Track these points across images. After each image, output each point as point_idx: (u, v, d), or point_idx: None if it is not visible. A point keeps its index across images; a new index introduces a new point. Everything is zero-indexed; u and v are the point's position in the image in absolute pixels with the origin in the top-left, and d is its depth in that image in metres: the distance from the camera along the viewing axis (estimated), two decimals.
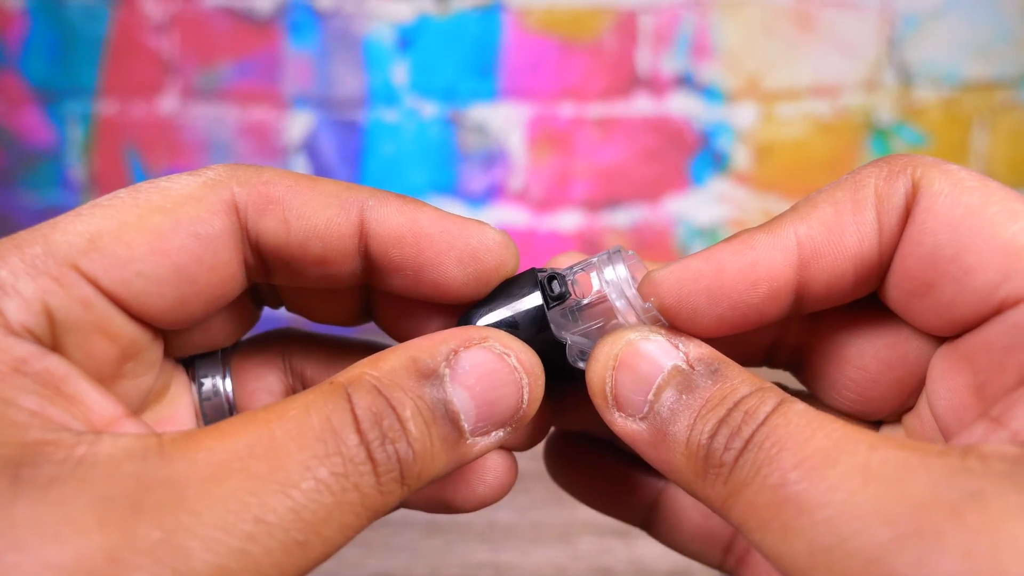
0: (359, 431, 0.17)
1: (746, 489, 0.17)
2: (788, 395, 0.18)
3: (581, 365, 0.21)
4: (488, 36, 0.76)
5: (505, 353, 0.20)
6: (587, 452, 0.26)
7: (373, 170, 0.78)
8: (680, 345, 0.20)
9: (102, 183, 0.79)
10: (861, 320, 0.22)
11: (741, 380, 0.18)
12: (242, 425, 0.17)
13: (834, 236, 0.20)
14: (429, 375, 0.19)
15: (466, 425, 0.19)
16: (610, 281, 0.21)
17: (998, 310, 0.18)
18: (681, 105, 0.76)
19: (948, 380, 0.19)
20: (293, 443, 0.16)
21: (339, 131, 0.78)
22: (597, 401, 0.20)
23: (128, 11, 0.76)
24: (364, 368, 0.18)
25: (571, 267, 0.22)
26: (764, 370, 0.25)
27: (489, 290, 0.22)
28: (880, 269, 0.20)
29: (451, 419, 0.18)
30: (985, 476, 0.15)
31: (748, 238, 0.20)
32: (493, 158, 0.77)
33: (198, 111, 0.77)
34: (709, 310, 0.20)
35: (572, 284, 0.21)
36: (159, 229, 0.18)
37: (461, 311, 0.22)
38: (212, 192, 0.19)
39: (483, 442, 0.19)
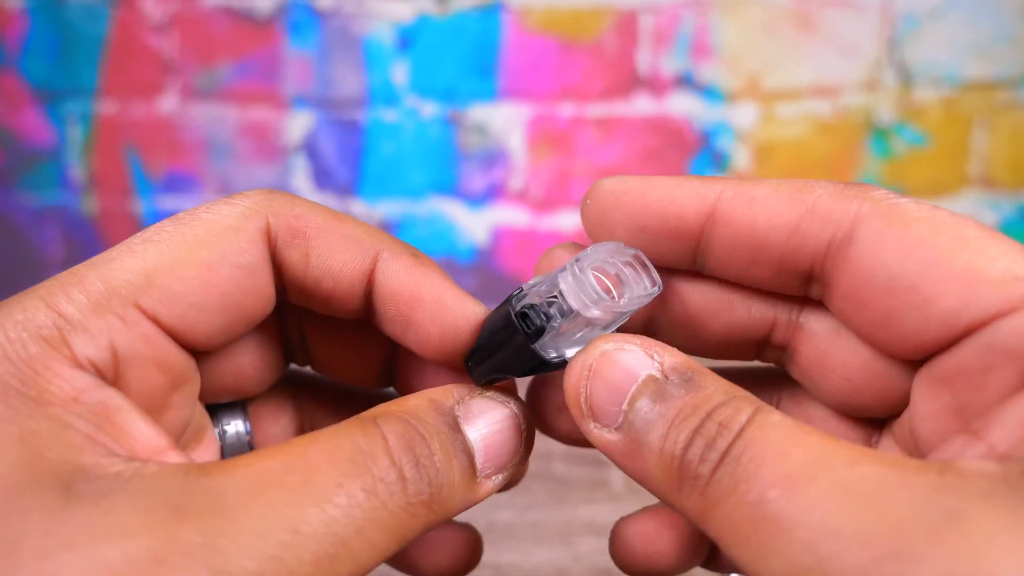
0: (390, 454, 0.18)
1: (724, 503, 0.17)
2: (764, 404, 0.18)
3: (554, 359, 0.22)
4: (488, 36, 0.76)
5: (505, 401, 0.21)
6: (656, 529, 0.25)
7: (373, 170, 0.78)
8: (655, 355, 0.20)
9: (102, 183, 0.79)
10: (844, 334, 0.22)
11: (715, 389, 0.18)
12: (277, 449, 0.18)
13: (749, 211, 0.20)
14: (447, 414, 0.20)
15: (478, 464, 0.20)
16: (574, 309, 0.21)
17: (965, 333, 0.18)
18: (681, 105, 0.76)
19: (928, 403, 0.19)
20: (326, 462, 0.17)
21: (339, 131, 0.78)
22: (573, 411, 0.20)
23: (128, 11, 0.76)
24: (389, 406, 0.20)
25: (534, 285, 0.22)
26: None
27: (464, 348, 0.23)
28: (786, 270, 0.20)
29: (468, 455, 0.20)
30: (964, 494, 0.15)
31: (683, 179, 0.21)
32: (493, 158, 0.77)
33: (198, 111, 0.77)
34: (622, 222, 0.21)
35: (549, 306, 0.21)
36: (207, 263, 0.20)
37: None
38: (250, 222, 0.21)
39: (487, 485, 0.21)
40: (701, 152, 0.77)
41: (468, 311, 0.22)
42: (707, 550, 0.24)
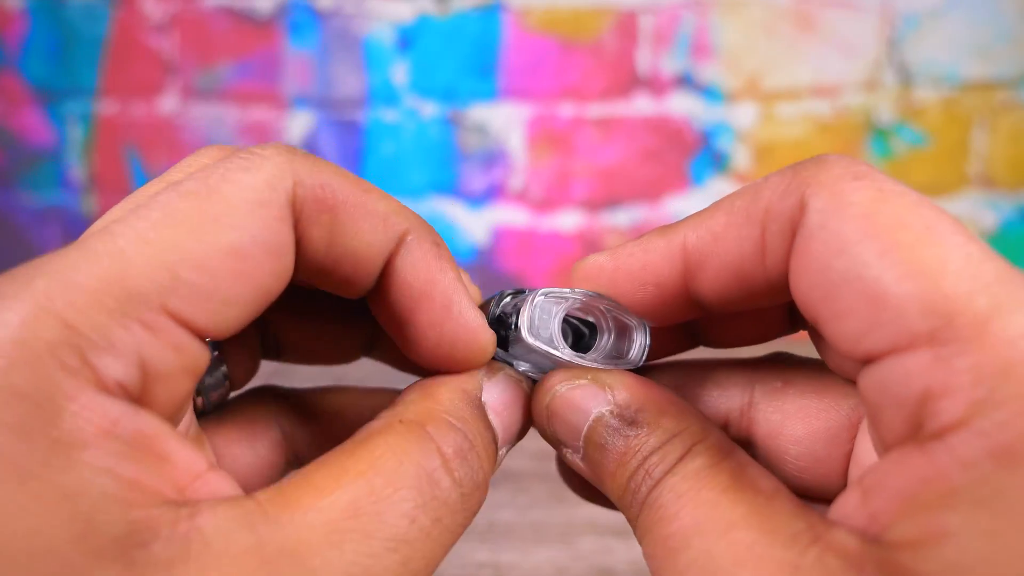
0: (451, 474, 0.18)
1: (644, 541, 0.18)
2: (697, 444, 0.19)
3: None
4: (488, 36, 0.76)
5: (519, 380, 0.22)
6: None
7: (373, 170, 0.78)
8: (607, 389, 0.21)
9: (102, 183, 0.79)
10: (788, 400, 0.22)
11: (653, 430, 0.19)
12: (336, 479, 0.17)
13: (719, 246, 0.19)
14: (480, 407, 0.21)
15: (499, 445, 0.21)
16: (521, 337, 0.22)
17: (867, 361, 0.16)
18: (681, 105, 0.76)
19: (863, 433, 0.20)
20: (395, 494, 0.17)
21: (339, 131, 0.78)
22: (546, 439, 0.22)
23: (128, 11, 0.76)
24: (429, 404, 0.20)
25: (502, 300, 0.23)
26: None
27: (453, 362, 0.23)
28: (775, 283, 0.19)
29: (496, 443, 0.21)
30: None
31: (647, 241, 0.21)
32: (493, 158, 0.77)
33: (198, 111, 0.77)
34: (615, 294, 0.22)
35: (513, 323, 0.22)
36: (238, 248, 0.17)
37: None
38: (276, 193, 0.17)
39: (497, 459, 0.21)
40: (701, 152, 0.77)
41: (470, 325, 0.21)
42: None
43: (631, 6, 0.74)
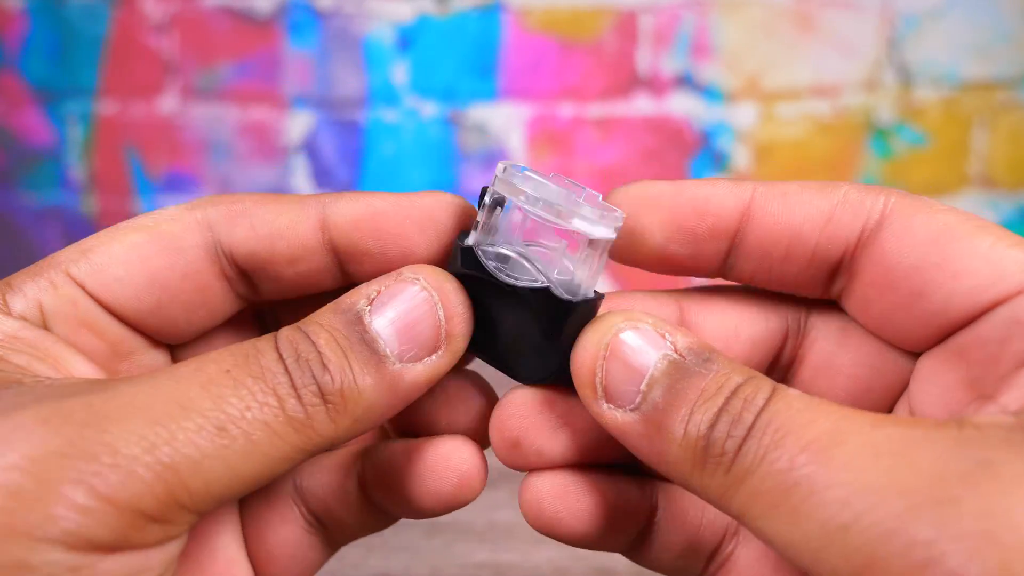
0: (277, 350, 0.19)
1: (750, 477, 0.17)
2: (780, 384, 0.18)
3: (511, 280, 0.21)
4: (488, 36, 0.76)
5: (414, 279, 0.21)
6: (572, 489, 0.24)
7: (373, 170, 0.78)
8: (667, 335, 0.20)
9: (102, 183, 0.79)
10: (850, 329, 0.22)
11: (733, 368, 0.19)
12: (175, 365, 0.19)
13: (785, 204, 0.21)
14: (347, 311, 0.20)
15: (387, 350, 0.20)
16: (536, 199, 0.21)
17: (989, 308, 0.19)
18: (681, 105, 0.76)
19: (939, 377, 0.20)
20: (220, 356, 0.19)
21: (339, 131, 0.78)
22: (585, 392, 0.20)
23: (128, 11, 0.76)
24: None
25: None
26: None
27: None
28: (818, 262, 0.21)
29: (368, 344, 0.20)
30: (987, 445, 0.16)
31: (713, 180, 0.21)
32: (493, 158, 0.77)
33: (198, 111, 0.77)
34: (659, 228, 0.21)
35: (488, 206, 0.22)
36: (137, 242, 0.22)
37: None
38: (188, 213, 0.22)
39: (418, 367, 0.20)
40: (701, 152, 0.77)
41: (438, 198, 0.23)
42: (632, 536, 0.23)
43: (631, 6, 0.74)
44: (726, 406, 0.18)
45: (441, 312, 0.21)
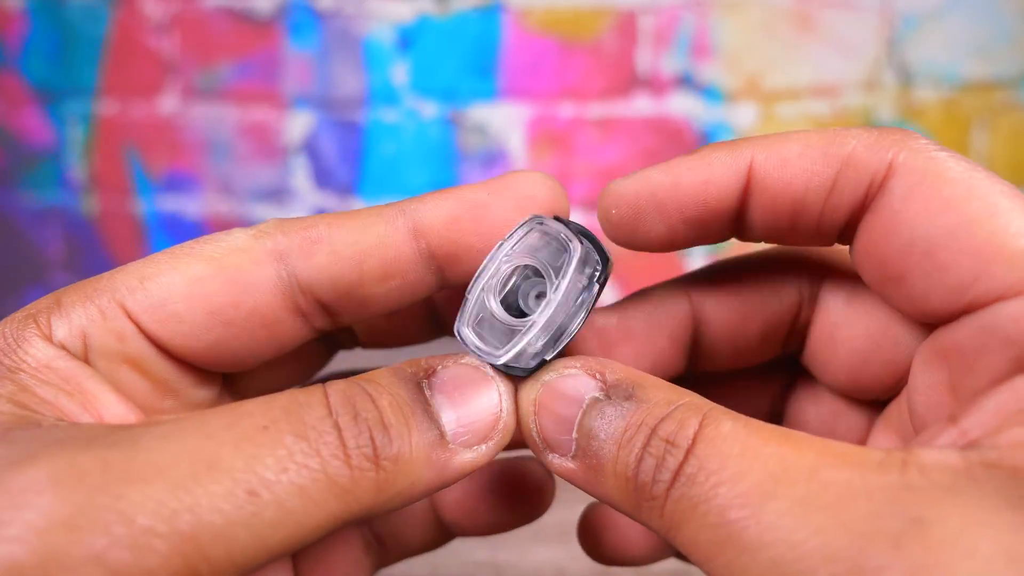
0: (327, 405, 0.17)
1: (686, 524, 0.16)
2: (712, 408, 0.18)
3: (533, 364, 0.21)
4: (488, 36, 0.76)
5: (481, 364, 0.20)
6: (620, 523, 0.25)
7: (373, 170, 0.78)
8: (597, 374, 0.19)
9: (102, 183, 0.79)
10: (856, 302, 0.22)
11: (656, 401, 0.18)
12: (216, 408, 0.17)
13: (785, 174, 0.20)
14: (408, 379, 0.19)
15: (447, 428, 0.19)
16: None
17: (967, 310, 0.18)
18: (681, 105, 0.76)
19: (927, 375, 0.19)
20: (257, 410, 0.17)
21: (339, 131, 0.78)
22: (531, 447, 0.20)
23: (128, 11, 0.76)
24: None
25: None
26: None
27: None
28: (825, 225, 0.20)
29: (430, 417, 0.18)
30: (925, 496, 0.15)
31: (707, 154, 0.20)
32: (493, 158, 0.77)
33: (198, 111, 0.77)
34: (660, 222, 0.21)
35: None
36: (200, 275, 0.20)
37: None
38: (256, 242, 0.20)
39: (469, 455, 0.19)
40: None
41: (532, 179, 0.21)
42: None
43: (631, 6, 0.74)
44: (647, 446, 0.17)
45: (505, 411, 0.20)
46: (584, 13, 0.75)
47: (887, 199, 0.19)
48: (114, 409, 0.19)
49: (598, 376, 0.19)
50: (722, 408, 0.18)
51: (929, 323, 0.19)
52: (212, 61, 0.77)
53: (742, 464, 0.16)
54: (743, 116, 0.76)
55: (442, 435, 0.18)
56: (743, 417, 0.17)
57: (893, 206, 0.18)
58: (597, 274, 0.20)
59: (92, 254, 0.79)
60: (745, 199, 0.20)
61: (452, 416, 0.19)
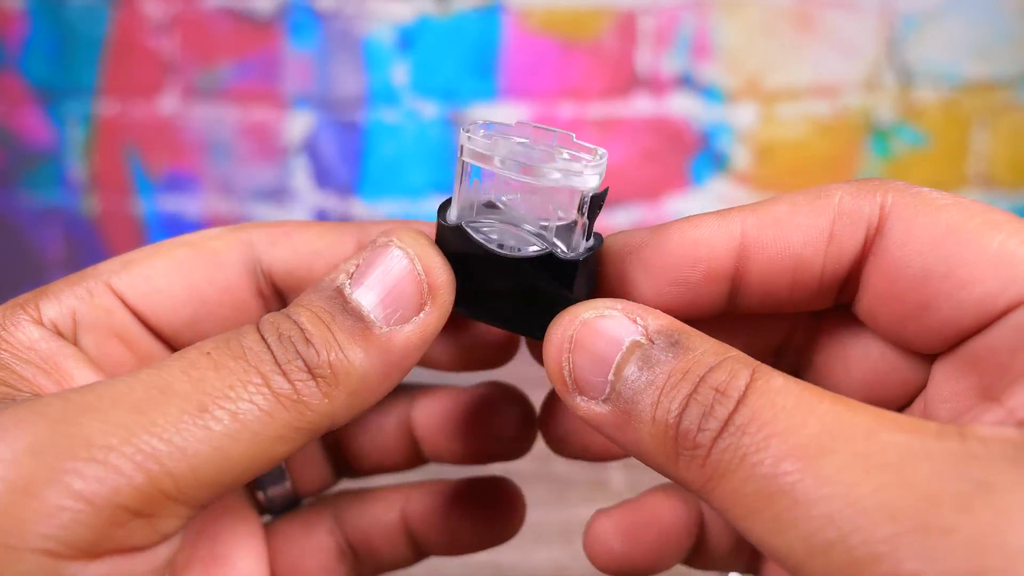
0: (258, 332, 0.19)
1: (730, 476, 0.16)
2: (761, 364, 0.17)
3: (511, 254, 0.21)
4: (488, 36, 0.76)
5: (387, 242, 0.20)
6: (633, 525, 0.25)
7: (373, 170, 0.78)
8: (638, 319, 0.19)
9: (102, 183, 0.79)
10: (864, 332, 0.21)
11: (704, 350, 0.17)
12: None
13: (781, 233, 0.19)
14: (327, 288, 0.20)
15: (372, 316, 0.19)
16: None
17: (1000, 315, 0.18)
18: (681, 105, 0.76)
19: (952, 383, 0.19)
20: (199, 344, 0.19)
21: (339, 131, 0.78)
22: (557, 387, 0.19)
23: (128, 11, 0.76)
24: None
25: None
26: None
27: None
28: (827, 281, 0.20)
29: (351, 313, 0.19)
30: (988, 463, 0.14)
31: (697, 219, 0.20)
32: None
33: (198, 111, 0.77)
34: (647, 282, 0.20)
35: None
36: (180, 257, 0.22)
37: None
38: (231, 232, 0.23)
39: (407, 328, 0.19)
40: (701, 152, 0.77)
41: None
42: (689, 548, 0.24)
43: (631, 6, 0.74)
44: (695, 394, 0.17)
45: (420, 267, 0.20)
46: (584, 13, 0.75)
47: (889, 239, 0.19)
48: (73, 372, 0.20)
49: (639, 321, 0.19)
50: (769, 367, 0.17)
51: (948, 347, 0.19)
52: (212, 61, 0.77)
53: (796, 417, 0.16)
54: (743, 116, 0.76)
55: (368, 324, 0.19)
56: (792, 377, 0.17)
57: (898, 242, 0.19)
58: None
59: (92, 254, 0.79)
60: (740, 264, 0.20)
61: (372, 299, 0.19)
